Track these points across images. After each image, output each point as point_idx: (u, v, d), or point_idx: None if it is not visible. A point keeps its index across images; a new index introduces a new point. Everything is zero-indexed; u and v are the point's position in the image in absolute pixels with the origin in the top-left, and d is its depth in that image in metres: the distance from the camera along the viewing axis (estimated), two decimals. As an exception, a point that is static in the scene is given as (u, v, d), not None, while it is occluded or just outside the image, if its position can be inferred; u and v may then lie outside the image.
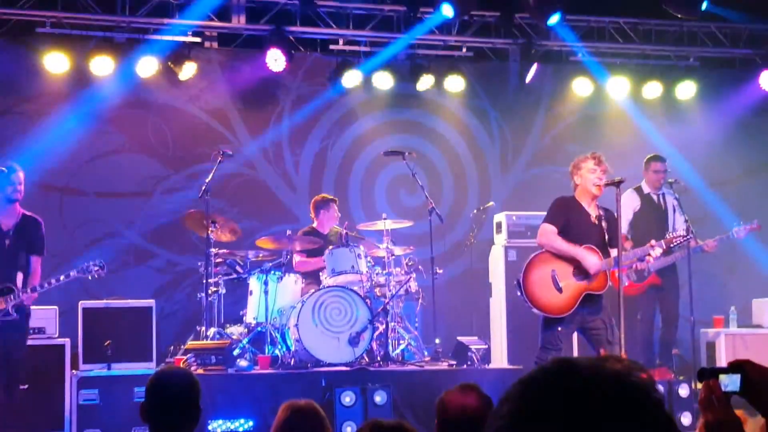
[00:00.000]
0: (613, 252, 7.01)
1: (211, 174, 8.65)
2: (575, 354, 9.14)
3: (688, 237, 7.80)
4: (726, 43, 10.80)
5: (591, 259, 6.97)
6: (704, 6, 9.45)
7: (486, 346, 8.91)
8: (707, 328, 9.41)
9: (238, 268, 8.75)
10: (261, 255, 8.84)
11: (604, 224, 7.08)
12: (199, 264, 8.76)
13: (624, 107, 11.06)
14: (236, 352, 8.06)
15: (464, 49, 10.62)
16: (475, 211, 10.27)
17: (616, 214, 7.01)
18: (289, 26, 9.99)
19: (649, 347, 9.07)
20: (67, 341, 8.13)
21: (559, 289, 7.05)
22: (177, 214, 9.60)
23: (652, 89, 10.82)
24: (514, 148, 11.13)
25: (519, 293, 7.16)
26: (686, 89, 10.85)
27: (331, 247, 8.73)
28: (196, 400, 3.81)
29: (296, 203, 10.39)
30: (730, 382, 2.85)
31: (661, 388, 7.90)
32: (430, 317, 9.27)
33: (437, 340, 9.08)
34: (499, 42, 10.59)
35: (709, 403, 3.09)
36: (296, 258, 9.05)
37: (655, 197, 9.23)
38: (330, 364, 8.01)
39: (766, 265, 10.55)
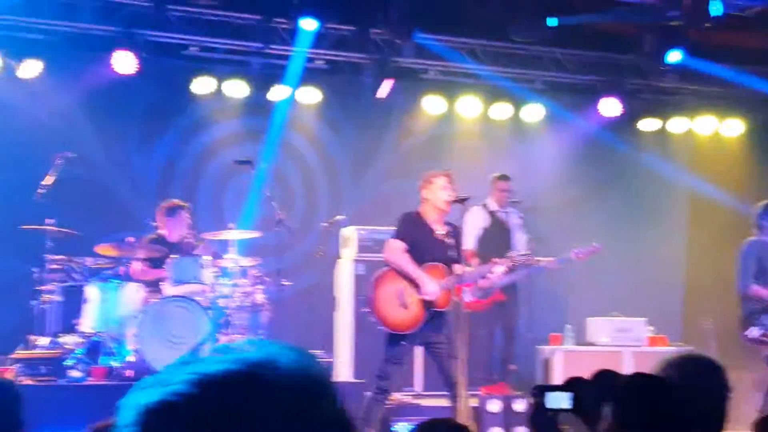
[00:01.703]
0: (458, 268, 7.12)
1: (51, 176, 8.34)
2: (418, 368, 9.24)
3: (529, 255, 8.03)
4: (570, 69, 11.15)
5: (430, 286, 7.05)
6: (552, 23, 9.74)
7: (330, 360, 8.90)
8: (544, 345, 9.68)
9: (75, 275, 8.46)
10: (101, 262, 8.57)
11: (449, 240, 7.17)
12: (33, 270, 8.42)
13: (473, 127, 11.30)
14: (69, 362, 7.78)
15: (319, 61, 10.62)
16: (324, 223, 10.25)
17: (461, 230, 7.13)
18: (140, 29, 9.75)
19: (489, 362, 9.25)
20: None
21: (405, 306, 7.10)
22: (13, 218, 9.20)
23: (501, 110, 11.09)
24: (366, 163, 11.19)
25: (366, 310, 7.19)
26: (533, 112, 11.17)
27: (174, 255, 8.54)
28: (17, 413, 3.64)
29: (142, 210, 10.11)
30: (562, 400, 2.90)
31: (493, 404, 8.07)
32: (275, 329, 9.19)
33: (281, 353, 8.98)
34: (353, 56, 10.63)
35: (536, 419, 3.16)
36: (137, 266, 8.75)
37: (500, 215, 9.44)
38: (169, 376, 7.80)
39: (600, 284, 10.94)
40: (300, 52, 10.26)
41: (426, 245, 7.15)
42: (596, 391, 2.83)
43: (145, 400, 1.11)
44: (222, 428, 1.08)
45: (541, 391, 3.08)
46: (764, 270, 8.52)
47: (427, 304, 7.09)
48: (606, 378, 2.86)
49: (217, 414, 1.08)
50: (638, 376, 2.76)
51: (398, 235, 7.20)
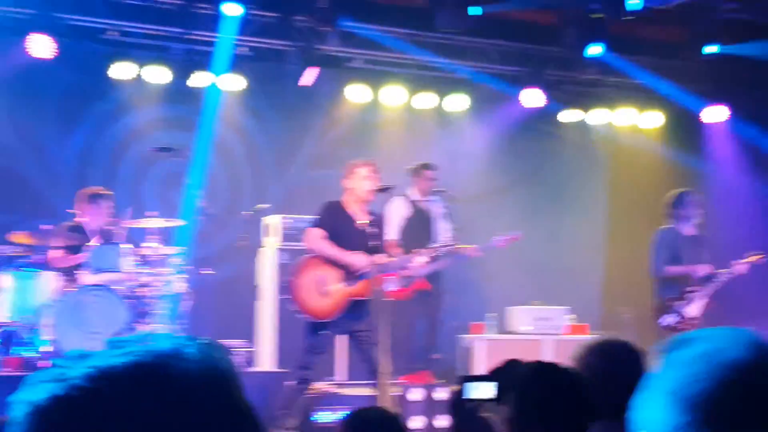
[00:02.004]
0: (380, 257, 7.12)
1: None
2: (340, 357, 9.23)
3: (451, 245, 8.08)
4: (494, 59, 11.22)
5: (358, 258, 7.05)
6: (476, 12, 9.82)
7: (251, 349, 8.83)
8: (466, 334, 9.74)
9: (-13, 264, 8.25)
10: (15, 250, 8.35)
11: (371, 230, 7.18)
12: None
13: (397, 116, 11.30)
14: (-18, 352, 7.59)
15: (243, 48, 10.49)
16: (248, 212, 10.15)
17: (384, 220, 7.13)
18: (56, 12, 9.50)
19: (412, 351, 9.28)
20: None
21: (327, 294, 7.08)
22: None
23: (426, 100, 11.11)
24: (291, 151, 11.11)
25: (287, 297, 7.16)
26: (458, 102, 11.21)
27: (93, 243, 8.37)
28: None
29: (59, 197, 9.90)
30: (485, 390, 2.90)
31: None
32: (196, 319, 9.09)
33: (202, 342, 8.90)
34: (278, 43, 10.53)
35: (457, 408, 3.16)
36: (54, 253, 8.57)
37: (423, 205, 9.45)
38: (87, 367, 7.67)
39: (521, 273, 11.07)
40: (223, 38, 10.14)
41: (347, 235, 7.14)
42: (501, 380, 2.85)
43: (40, 396, 1.05)
44: (124, 424, 1.04)
45: (463, 380, 3.09)
46: (676, 258, 8.73)
47: (349, 293, 7.08)
48: (511, 367, 2.88)
49: (119, 409, 1.04)
50: (537, 365, 2.79)
51: (318, 224, 7.19)
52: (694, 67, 11.18)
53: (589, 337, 9.47)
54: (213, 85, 10.33)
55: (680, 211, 8.78)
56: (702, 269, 8.61)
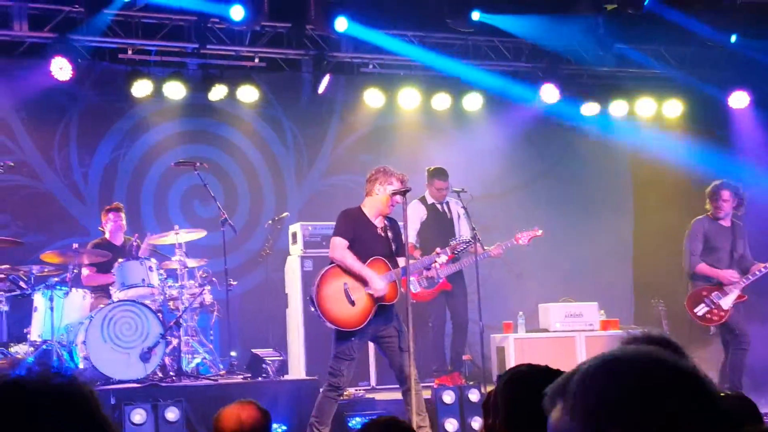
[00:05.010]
0: (401, 261, 7.14)
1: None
2: (371, 363, 9.26)
3: (470, 242, 8.09)
4: (509, 57, 11.21)
5: (377, 283, 7.04)
6: (476, 17, 9.91)
7: (282, 358, 8.87)
8: (497, 333, 9.69)
9: (21, 283, 8.37)
10: (46, 270, 8.49)
11: (389, 234, 7.19)
12: (-21, 282, 8.31)
13: (414, 118, 11.30)
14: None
15: (257, 60, 10.56)
16: (270, 221, 10.23)
17: (400, 223, 7.13)
18: (74, 34, 9.62)
19: (441, 353, 9.27)
20: None
21: (352, 303, 7.09)
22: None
23: (441, 101, 11.10)
24: (309, 158, 11.16)
25: (313, 309, 7.17)
26: (473, 101, 11.19)
27: (120, 260, 8.48)
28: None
29: (86, 215, 10.05)
30: None
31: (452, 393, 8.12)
32: (225, 330, 9.17)
33: (233, 353, 8.99)
34: (291, 53, 10.60)
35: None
36: (84, 272, 8.77)
37: (439, 206, 9.41)
38: (120, 381, 7.78)
39: (550, 270, 11.02)
40: (236, 50, 10.26)
41: (368, 240, 7.14)
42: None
43: None
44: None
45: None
46: (712, 248, 8.70)
47: (375, 299, 7.10)
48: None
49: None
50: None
51: (339, 233, 7.18)
52: (714, 53, 11.11)
53: (620, 333, 9.42)
54: (228, 98, 10.39)
55: (717, 201, 8.76)
56: (731, 277, 8.59)
